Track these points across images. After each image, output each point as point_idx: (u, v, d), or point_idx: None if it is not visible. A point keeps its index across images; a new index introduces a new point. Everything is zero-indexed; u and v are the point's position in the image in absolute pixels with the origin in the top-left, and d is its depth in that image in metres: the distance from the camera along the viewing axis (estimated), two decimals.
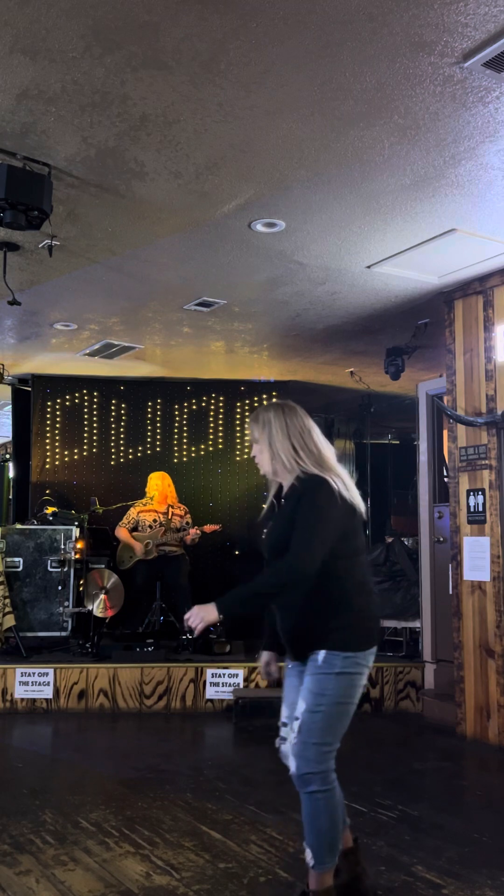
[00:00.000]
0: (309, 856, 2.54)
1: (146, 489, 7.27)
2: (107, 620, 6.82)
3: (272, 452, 2.67)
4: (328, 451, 2.70)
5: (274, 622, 2.77)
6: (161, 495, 7.10)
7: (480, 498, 5.16)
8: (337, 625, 2.54)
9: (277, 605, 2.71)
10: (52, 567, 6.74)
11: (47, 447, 8.14)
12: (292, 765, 2.55)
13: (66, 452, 8.16)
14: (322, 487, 2.56)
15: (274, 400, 2.84)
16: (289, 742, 2.60)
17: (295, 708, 2.60)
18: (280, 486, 2.75)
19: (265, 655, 2.91)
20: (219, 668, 5.94)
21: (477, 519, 5.17)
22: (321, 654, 2.54)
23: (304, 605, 2.58)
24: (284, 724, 2.67)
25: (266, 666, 2.89)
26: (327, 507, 2.53)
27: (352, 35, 2.81)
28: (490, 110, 3.29)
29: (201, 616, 2.49)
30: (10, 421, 9.04)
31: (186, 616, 2.53)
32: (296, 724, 2.56)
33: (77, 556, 6.83)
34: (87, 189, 4.04)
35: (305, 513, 2.54)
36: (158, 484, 7.15)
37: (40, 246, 4.74)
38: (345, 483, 2.62)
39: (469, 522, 5.22)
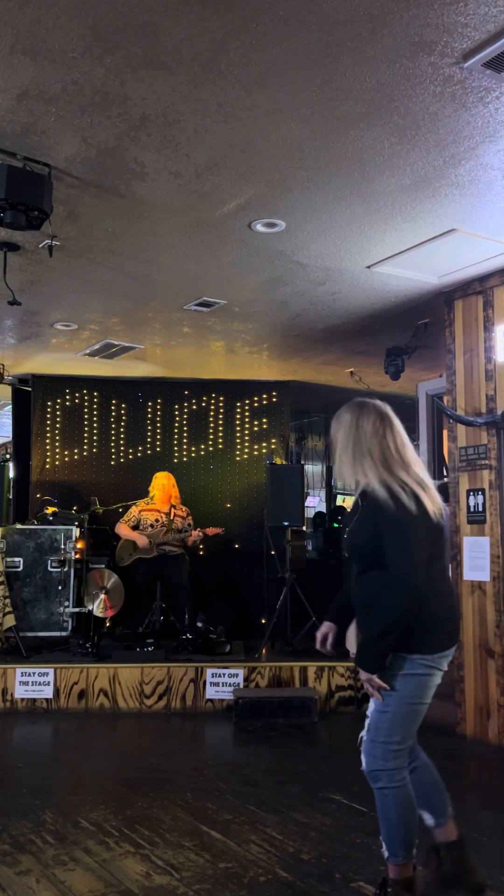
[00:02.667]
0: (384, 847, 2.66)
1: (150, 488, 7.25)
2: (107, 620, 6.82)
3: (343, 453, 2.69)
4: (403, 454, 2.66)
5: (345, 597, 2.84)
6: (165, 495, 7.08)
7: (480, 498, 5.16)
8: (407, 628, 2.56)
9: (356, 607, 2.77)
10: (52, 567, 6.74)
11: (47, 447, 8.14)
12: (363, 761, 2.66)
13: (66, 452, 8.16)
14: (394, 500, 2.56)
15: (355, 399, 2.80)
16: (362, 740, 2.71)
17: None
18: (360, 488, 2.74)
19: (325, 626, 2.93)
20: (219, 667, 5.94)
21: (477, 519, 5.17)
22: (390, 656, 2.60)
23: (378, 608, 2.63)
24: (367, 717, 2.76)
25: (323, 637, 2.92)
26: (410, 516, 2.55)
27: (352, 35, 2.81)
28: (490, 110, 3.29)
29: (371, 683, 2.59)
30: (10, 421, 9.04)
31: (371, 694, 2.62)
32: (366, 723, 2.68)
33: (77, 556, 6.83)
34: (87, 189, 4.04)
35: (389, 529, 2.56)
36: (165, 483, 7.13)
37: (40, 246, 4.75)
38: (420, 489, 2.61)
39: (469, 522, 5.22)
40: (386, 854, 2.65)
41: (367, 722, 2.67)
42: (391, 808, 2.61)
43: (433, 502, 2.63)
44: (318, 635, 2.95)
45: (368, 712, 2.68)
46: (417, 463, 2.70)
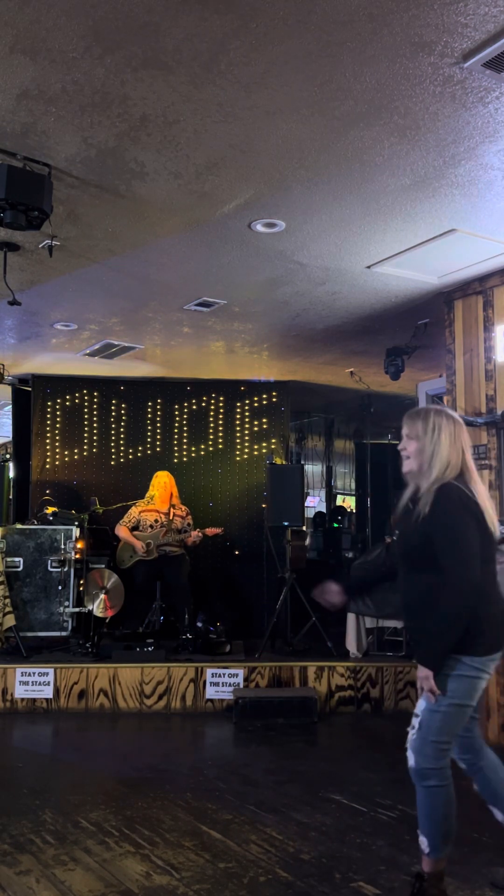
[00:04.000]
0: (424, 844, 2.68)
1: (150, 487, 7.24)
2: (107, 620, 6.82)
3: (428, 455, 2.74)
4: (467, 461, 2.78)
5: (361, 579, 2.83)
6: (166, 494, 7.08)
7: None
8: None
9: (404, 606, 2.82)
10: (52, 567, 6.74)
11: (47, 447, 8.14)
12: (411, 759, 2.67)
13: (66, 452, 8.16)
14: (453, 497, 2.65)
15: (438, 406, 2.96)
16: (409, 737, 2.70)
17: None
18: (416, 490, 2.81)
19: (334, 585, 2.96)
20: (219, 667, 5.94)
21: None
22: None
23: (429, 610, 2.65)
24: (416, 716, 2.73)
25: (330, 591, 2.96)
26: (462, 514, 2.63)
27: (352, 35, 2.81)
28: (490, 110, 3.29)
29: (429, 686, 2.61)
30: (10, 421, 9.04)
31: (427, 695, 2.63)
32: (416, 721, 2.68)
33: (77, 556, 6.83)
34: (87, 189, 4.04)
35: (446, 525, 2.63)
36: (166, 482, 7.13)
37: (40, 246, 4.75)
38: (478, 494, 2.71)
39: None
40: (427, 850, 2.67)
41: (414, 720, 2.69)
42: (439, 807, 2.65)
43: (489, 508, 2.73)
44: (324, 591, 2.98)
45: (417, 710, 2.69)
46: (475, 470, 2.81)
